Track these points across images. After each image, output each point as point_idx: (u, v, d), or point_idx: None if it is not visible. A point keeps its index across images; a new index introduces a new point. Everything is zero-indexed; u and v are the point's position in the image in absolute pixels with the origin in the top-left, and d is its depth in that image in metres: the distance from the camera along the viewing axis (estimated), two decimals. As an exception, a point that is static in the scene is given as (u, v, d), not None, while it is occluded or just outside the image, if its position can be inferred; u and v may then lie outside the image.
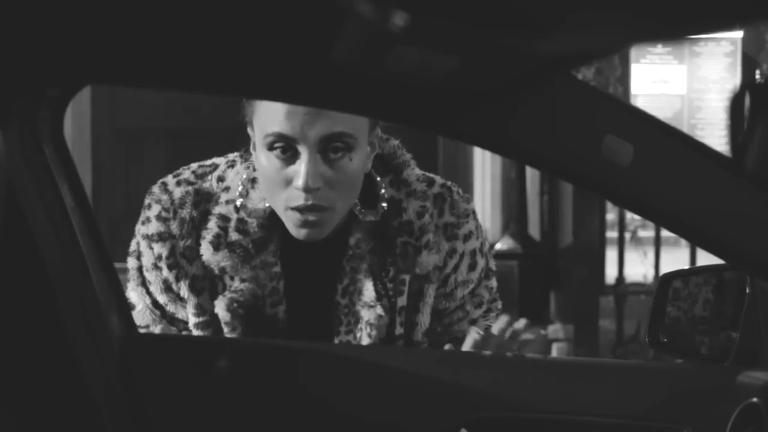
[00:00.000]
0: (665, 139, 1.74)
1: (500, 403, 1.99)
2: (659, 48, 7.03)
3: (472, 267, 2.21)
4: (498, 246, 7.32)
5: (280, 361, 1.98)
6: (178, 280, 2.11)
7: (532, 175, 7.29)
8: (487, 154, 7.79)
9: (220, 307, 2.06)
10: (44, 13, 1.41)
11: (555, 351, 6.96)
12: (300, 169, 1.97)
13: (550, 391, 2.01)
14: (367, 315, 2.08)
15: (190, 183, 2.12)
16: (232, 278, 2.07)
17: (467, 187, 8.24)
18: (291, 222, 2.02)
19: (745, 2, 1.23)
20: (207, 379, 1.92)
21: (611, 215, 7.17)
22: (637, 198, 1.75)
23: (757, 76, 6.35)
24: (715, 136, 6.97)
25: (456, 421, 1.96)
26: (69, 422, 1.78)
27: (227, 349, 1.95)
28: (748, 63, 6.67)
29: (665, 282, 2.07)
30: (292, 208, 2.00)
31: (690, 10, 1.23)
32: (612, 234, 7.05)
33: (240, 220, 2.07)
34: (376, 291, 2.09)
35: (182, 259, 2.09)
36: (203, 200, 2.10)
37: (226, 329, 2.07)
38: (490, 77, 1.63)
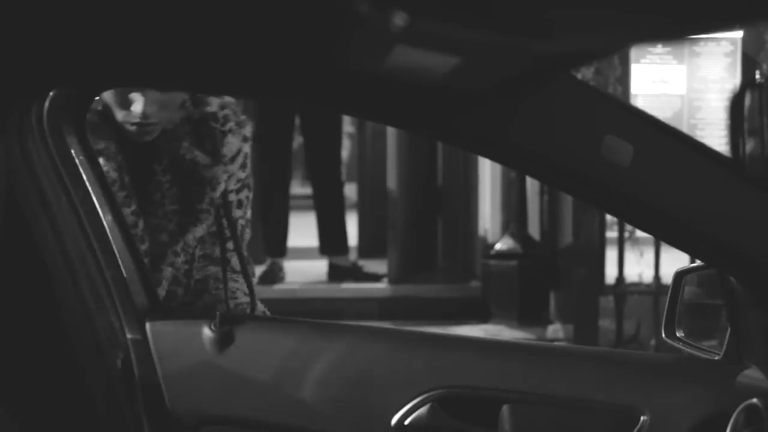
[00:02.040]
0: (665, 139, 1.75)
1: (468, 380, 2.05)
2: (659, 48, 7.02)
3: (243, 167, 2.69)
4: (498, 246, 7.31)
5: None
6: None
7: (531, 175, 7.26)
8: (486, 154, 7.76)
9: None
10: (44, 15, 1.41)
11: (555, 351, 6.95)
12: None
13: (516, 371, 2.07)
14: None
15: None
16: None
17: (469, 187, 8.23)
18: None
19: (746, 2, 1.23)
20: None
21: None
22: (637, 198, 1.75)
23: (757, 76, 6.34)
24: (715, 136, 6.95)
25: (424, 395, 2.03)
26: (69, 422, 1.78)
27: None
28: (748, 63, 6.65)
29: (679, 277, 2.11)
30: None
31: (692, 9, 1.23)
32: (612, 234, 7.04)
33: None
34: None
35: None
36: None
37: None
38: (490, 77, 1.63)
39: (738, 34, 6.94)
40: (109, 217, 2.09)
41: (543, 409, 2.02)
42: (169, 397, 2.01)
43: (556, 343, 2.06)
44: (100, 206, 2.08)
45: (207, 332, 2.06)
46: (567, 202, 6.97)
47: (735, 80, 6.77)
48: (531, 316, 7.24)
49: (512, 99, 1.70)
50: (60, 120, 1.95)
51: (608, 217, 7.02)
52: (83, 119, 2.13)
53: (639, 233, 7.19)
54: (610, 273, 6.98)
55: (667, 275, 6.76)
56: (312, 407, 2.05)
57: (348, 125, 11.90)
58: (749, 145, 1.73)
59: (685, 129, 6.84)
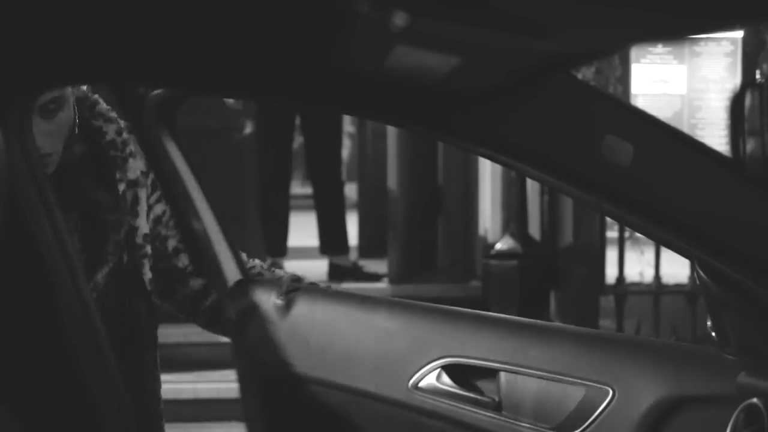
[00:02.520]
0: (665, 139, 1.74)
1: (469, 351, 2.24)
2: (659, 48, 7.02)
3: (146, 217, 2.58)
4: (498, 246, 7.31)
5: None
6: None
7: (532, 174, 7.26)
8: (488, 154, 7.77)
9: None
10: (44, 14, 1.41)
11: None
12: None
13: (512, 345, 2.22)
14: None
15: None
16: None
17: (469, 187, 8.24)
18: None
19: (747, 2, 1.23)
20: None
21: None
22: (637, 198, 1.75)
23: (758, 76, 6.34)
24: (716, 136, 6.96)
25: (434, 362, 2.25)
26: (69, 422, 1.78)
27: None
28: (749, 63, 6.66)
29: None
30: None
31: (693, 10, 1.23)
32: (612, 234, 7.03)
33: None
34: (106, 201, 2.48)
35: None
36: None
37: None
38: (490, 77, 1.63)
39: (738, 34, 6.95)
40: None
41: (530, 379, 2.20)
42: (244, 355, 2.42)
43: (551, 323, 2.20)
44: None
45: (275, 300, 2.40)
46: (567, 201, 6.97)
47: (735, 80, 6.78)
48: (531, 315, 7.19)
49: (512, 99, 1.70)
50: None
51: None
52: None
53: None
54: (611, 273, 6.98)
55: (667, 275, 6.78)
56: (349, 367, 2.34)
57: (348, 125, 11.91)
58: (749, 145, 1.72)
59: (685, 129, 6.85)
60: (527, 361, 2.20)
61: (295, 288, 2.44)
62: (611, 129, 1.72)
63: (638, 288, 6.92)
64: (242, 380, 2.45)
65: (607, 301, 6.94)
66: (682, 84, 7.08)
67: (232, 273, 2.42)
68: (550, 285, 7.28)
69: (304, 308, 2.39)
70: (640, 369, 2.11)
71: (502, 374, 2.21)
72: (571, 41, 1.41)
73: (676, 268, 6.68)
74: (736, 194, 1.75)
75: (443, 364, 2.25)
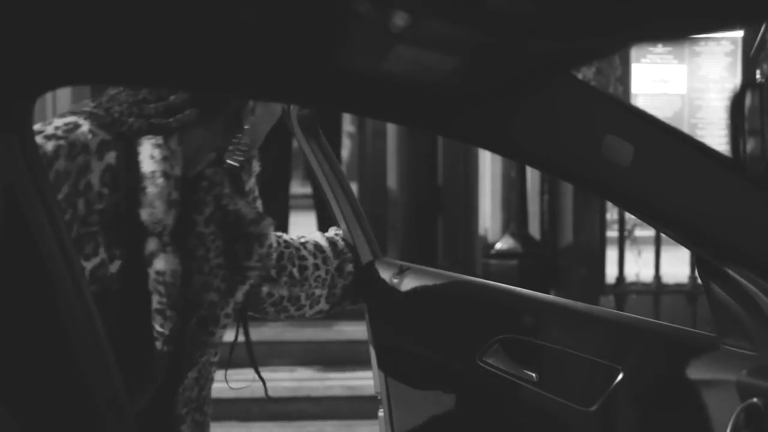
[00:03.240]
0: (666, 139, 1.74)
1: (518, 329, 2.40)
2: (659, 47, 7.02)
3: None
4: (498, 245, 7.31)
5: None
6: None
7: (532, 174, 7.28)
8: (488, 153, 7.78)
9: None
10: (44, 14, 1.41)
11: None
12: None
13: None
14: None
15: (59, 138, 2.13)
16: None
17: (469, 187, 8.23)
18: None
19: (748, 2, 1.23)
20: None
21: (611, 215, 7.15)
22: (637, 198, 1.75)
23: (758, 76, 6.34)
24: (715, 136, 6.96)
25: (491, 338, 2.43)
26: (69, 422, 1.78)
27: None
28: (749, 63, 6.65)
29: None
30: None
31: (695, 9, 1.23)
32: (612, 233, 7.03)
33: None
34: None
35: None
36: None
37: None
38: (490, 77, 1.63)
39: (738, 34, 6.95)
40: None
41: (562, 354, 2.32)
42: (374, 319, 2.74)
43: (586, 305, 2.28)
44: None
45: (392, 279, 2.72)
46: (567, 201, 6.96)
47: (735, 80, 6.77)
48: (531, 315, 7.23)
49: (513, 99, 1.70)
50: None
51: (608, 216, 7.02)
52: None
53: (638, 233, 7.19)
54: (610, 273, 6.98)
55: (667, 275, 6.78)
56: (438, 339, 2.61)
57: (348, 125, 11.89)
58: (749, 145, 1.72)
59: (685, 128, 6.84)
60: (568, 342, 2.29)
61: (405, 269, 2.74)
62: (611, 129, 1.72)
63: (638, 287, 6.91)
64: (374, 336, 2.75)
65: (608, 301, 6.93)
66: (683, 84, 7.08)
67: (365, 254, 2.76)
68: (551, 284, 7.28)
69: (410, 285, 2.67)
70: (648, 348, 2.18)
71: (545, 352, 2.34)
72: (572, 41, 1.41)
73: (677, 268, 6.68)
74: (736, 194, 1.75)
75: (501, 339, 2.42)
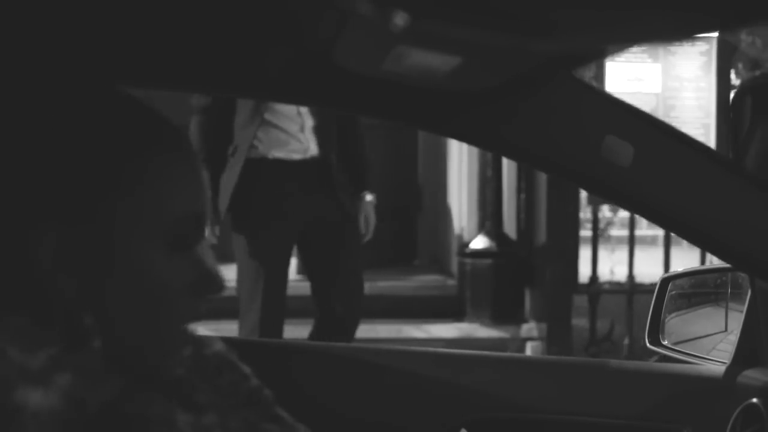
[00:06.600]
0: (665, 140, 1.73)
1: (499, 403, 2.03)
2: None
3: None
4: (473, 244, 7.32)
5: (276, 359, 2.01)
6: None
7: (509, 172, 7.29)
8: (464, 152, 7.80)
9: None
10: (44, 14, 1.40)
11: (529, 350, 6.97)
12: None
13: (548, 391, 2.03)
14: None
15: None
16: None
17: (441, 185, 8.23)
18: None
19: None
20: None
21: (585, 214, 7.17)
22: (637, 198, 1.74)
23: (732, 77, 6.36)
24: (691, 135, 6.97)
25: (455, 421, 2.00)
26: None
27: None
28: (724, 62, 6.66)
29: (665, 282, 2.08)
30: None
31: (696, 9, 1.22)
32: (586, 233, 7.04)
33: None
34: None
35: None
36: None
37: None
38: (490, 77, 1.61)
39: (713, 33, 6.97)
40: None
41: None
42: None
43: (571, 357, 1.97)
44: None
45: None
46: (542, 200, 6.96)
47: (710, 79, 6.79)
48: (505, 314, 7.24)
49: (512, 99, 1.69)
50: None
51: (582, 216, 7.03)
52: None
53: (612, 232, 7.20)
54: (584, 272, 6.98)
55: (642, 275, 6.79)
56: None
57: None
58: (749, 145, 1.72)
59: (660, 127, 6.84)
60: (574, 407, 2.05)
61: None
62: (611, 129, 1.71)
63: (612, 287, 6.92)
64: None
65: (582, 300, 6.94)
66: (657, 82, 7.09)
67: None
68: (525, 284, 7.29)
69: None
70: (710, 398, 2.00)
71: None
72: (572, 41, 1.40)
73: (652, 268, 6.69)
74: (736, 195, 1.75)
75: (466, 423, 2.04)
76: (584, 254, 7.01)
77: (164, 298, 1.20)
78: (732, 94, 6.32)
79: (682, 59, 7.06)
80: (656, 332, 2.07)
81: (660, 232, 6.57)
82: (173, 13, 1.44)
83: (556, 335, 6.83)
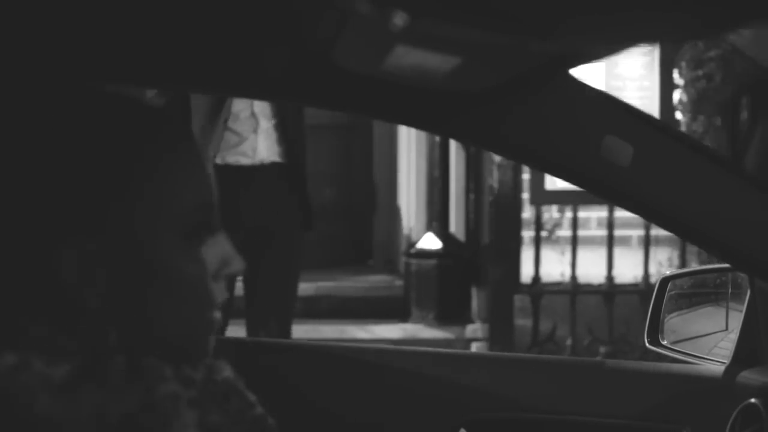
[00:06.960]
0: (665, 140, 1.74)
1: (499, 403, 2.03)
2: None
3: None
4: (419, 244, 7.32)
5: (276, 359, 2.01)
6: None
7: (457, 173, 7.30)
8: (412, 151, 7.81)
9: None
10: (43, 14, 1.38)
11: (474, 350, 6.98)
12: None
13: (548, 391, 2.03)
14: None
15: None
16: None
17: (392, 184, 8.24)
18: None
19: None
20: None
21: (527, 214, 7.18)
22: (637, 198, 1.74)
23: (675, 76, 6.40)
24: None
25: (455, 421, 2.00)
26: None
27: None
28: (667, 62, 6.70)
29: (664, 282, 2.09)
30: None
31: (697, 10, 1.21)
32: (529, 233, 7.04)
33: None
34: None
35: None
36: None
37: None
38: (490, 77, 1.61)
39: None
40: None
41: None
42: None
43: (571, 357, 1.97)
44: None
45: None
46: (486, 201, 6.97)
47: (653, 78, 6.82)
48: (451, 315, 7.25)
49: (512, 99, 1.69)
50: None
51: (525, 216, 7.04)
52: None
53: (559, 233, 7.23)
54: (527, 272, 6.98)
55: (589, 275, 6.81)
56: None
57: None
58: (749, 145, 1.72)
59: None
60: (575, 407, 2.04)
61: None
62: (611, 129, 1.71)
63: (554, 288, 6.93)
64: None
65: (523, 300, 6.95)
66: (600, 82, 7.11)
67: None
68: (471, 284, 7.30)
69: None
70: (710, 399, 2.01)
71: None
72: (572, 41, 1.39)
73: (599, 269, 6.72)
74: (735, 195, 1.75)
75: (466, 423, 2.03)
76: (530, 255, 7.02)
77: (195, 289, 1.23)
78: (675, 94, 6.37)
79: (624, 58, 7.09)
80: (655, 332, 2.09)
81: (606, 233, 6.60)
82: (173, 13, 1.43)
83: (499, 335, 6.84)
